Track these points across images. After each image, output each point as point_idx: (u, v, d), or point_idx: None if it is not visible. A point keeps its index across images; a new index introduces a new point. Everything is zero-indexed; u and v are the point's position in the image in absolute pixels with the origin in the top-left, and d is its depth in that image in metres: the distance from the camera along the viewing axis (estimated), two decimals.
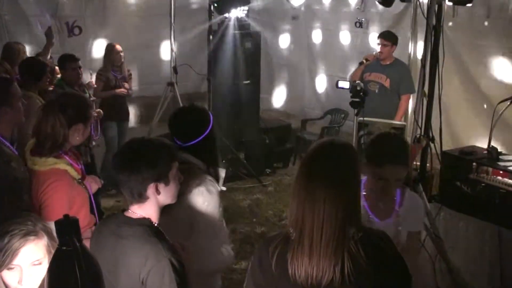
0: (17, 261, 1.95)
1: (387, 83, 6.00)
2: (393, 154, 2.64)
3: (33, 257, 1.97)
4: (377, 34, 6.48)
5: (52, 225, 1.94)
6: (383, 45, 6.02)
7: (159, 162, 2.21)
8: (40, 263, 1.98)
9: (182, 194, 2.42)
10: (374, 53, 6.19)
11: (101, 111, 6.01)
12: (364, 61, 6.11)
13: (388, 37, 6.06)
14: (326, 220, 1.87)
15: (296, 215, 1.94)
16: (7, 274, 1.96)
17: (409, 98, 6.15)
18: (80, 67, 5.72)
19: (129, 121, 7.03)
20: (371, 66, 6.11)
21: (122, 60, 6.70)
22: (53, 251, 1.84)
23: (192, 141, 2.70)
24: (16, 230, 1.95)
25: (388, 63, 6.09)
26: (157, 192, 2.20)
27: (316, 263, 1.86)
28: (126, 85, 6.73)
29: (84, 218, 2.96)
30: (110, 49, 6.71)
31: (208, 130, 2.75)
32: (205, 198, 2.58)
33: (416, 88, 4.33)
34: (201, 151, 2.69)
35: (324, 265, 1.85)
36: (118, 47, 6.69)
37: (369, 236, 1.94)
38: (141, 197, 2.19)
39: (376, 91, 5.94)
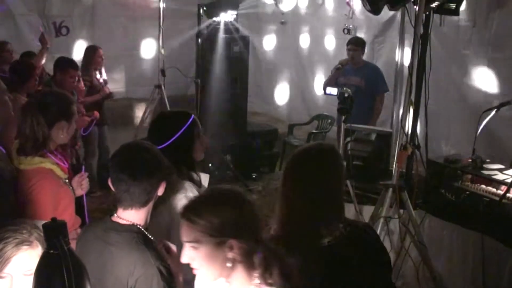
0: (8, 269, 1.89)
1: (362, 84, 6.36)
2: None
3: (25, 267, 1.90)
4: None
5: (38, 224, 1.94)
6: (354, 50, 6.45)
7: (165, 163, 2.24)
8: (32, 273, 1.83)
9: (159, 202, 2.34)
10: (346, 58, 6.55)
11: (97, 113, 5.90)
12: (340, 66, 6.48)
13: (357, 43, 6.52)
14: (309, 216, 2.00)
15: (282, 213, 2.00)
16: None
17: (383, 97, 6.59)
18: (77, 76, 5.63)
19: (107, 125, 6.89)
20: (345, 70, 6.50)
21: (102, 63, 6.65)
22: None
23: (163, 144, 2.57)
24: (11, 238, 1.89)
25: (360, 66, 6.52)
26: (160, 191, 2.23)
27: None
28: (107, 87, 6.67)
29: (69, 219, 2.92)
30: (92, 52, 6.61)
31: (180, 132, 2.64)
32: (178, 207, 2.45)
33: (404, 96, 4.37)
34: (174, 154, 2.55)
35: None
36: (101, 50, 6.62)
37: (355, 229, 2.06)
38: (146, 202, 2.18)
39: (352, 92, 6.05)
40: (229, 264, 1.74)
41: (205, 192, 1.88)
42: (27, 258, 1.91)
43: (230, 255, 1.73)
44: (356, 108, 5.29)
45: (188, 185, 2.59)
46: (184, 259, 1.79)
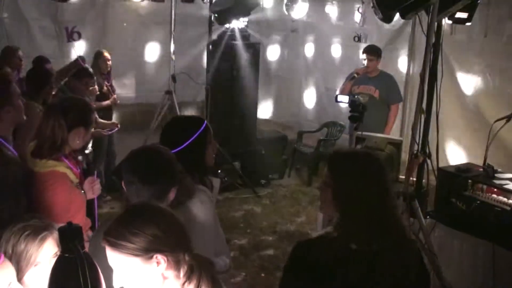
0: (40, 258, 2.01)
1: (376, 94, 6.27)
2: None
3: (52, 251, 2.03)
4: None
5: None
6: (369, 60, 6.34)
7: (177, 168, 2.27)
8: (56, 255, 1.95)
9: (174, 206, 2.34)
10: (362, 67, 6.46)
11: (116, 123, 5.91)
12: (356, 75, 6.40)
13: (372, 52, 6.40)
14: None
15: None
16: (32, 272, 2.00)
17: (398, 107, 6.50)
18: (93, 84, 5.69)
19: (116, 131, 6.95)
20: (359, 79, 6.40)
21: (109, 68, 6.69)
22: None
23: (176, 148, 2.59)
24: (28, 230, 1.99)
25: (375, 75, 6.42)
26: (172, 195, 2.26)
27: None
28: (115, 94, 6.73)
29: (81, 221, 2.96)
30: (97, 56, 6.69)
31: (193, 137, 2.67)
32: (198, 210, 2.51)
33: (414, 105, 4.36)
34: (186, 159, 2.55)
35: None
36: (106, 54, 6.68)
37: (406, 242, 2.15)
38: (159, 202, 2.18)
39: (366, 102, 6.03)
40: (160, 279, 1.74)
41: (121, 213, 1.82)
42: (51, 244, 2.03)
43: (159, 270, 1.72)
44: (369, 118, 5.30)
45: (201, 189, 2.60)
46: (116, 284, 1.76)
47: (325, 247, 2.02)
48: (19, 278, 1.99)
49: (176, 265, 1.74)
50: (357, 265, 1.99)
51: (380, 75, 6.44)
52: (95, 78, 5.69)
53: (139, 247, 1.69)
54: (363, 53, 6.45)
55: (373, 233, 2.03)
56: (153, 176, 2.22)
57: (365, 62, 6.35)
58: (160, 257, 1.71)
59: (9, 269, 1.83)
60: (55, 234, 2.03)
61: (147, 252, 1.69)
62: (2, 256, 1.73)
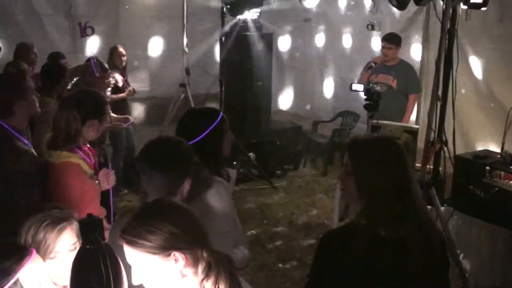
0: (58, 248, 2.05)
1: (394, 84, 6.09)
2: None
3: (69, 243, 2.07)
4: None
5: None
6: (388, 48, 6.13)
7: (191, 158, 2.30)
8: (75, 248, 2.05)
9: (192, 198, 2.39)
10: (378, 56, 6.29)
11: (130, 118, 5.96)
12: (373, 64, 6.22)
13: (391, 40, 6.18)
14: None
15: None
16: (49, 264, 2.03)
17: (416, 98, 6.29)
18: (108, 78, 5.74)
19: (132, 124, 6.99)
20: (377, 68, 6.22)
21: (124, 63, 6.72)
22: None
23: (190, 141, 2.58)
24: (48, 220, 2.04)
25: (393, 64, 6.19)
26: (186, 186, 2.28)
27: None
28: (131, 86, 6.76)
29: (94, 212, 2.98)
30: (112, 51, 6.76)
31: (206, 132, 2.67)
32: (215, 201, 2.53)
33: (430, 92, 4.33)
34: (203, 150, 2.60)
35: None
36: (121, 50, 6.72)
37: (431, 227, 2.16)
38: (170, 193, 2.22)
39: (384, 91, 5.93)
40: (178, 276, 1.74)
41: (138, 210, 1.82)
42: (69, 235, 2.07)
43: (177, 267, 1.72)
44: (386, 108, 5.24)
45: (219, 180, 2.61)
46: (135, 281, 1.77)
47: (355, 236, 2.01)
48: None
49: (194, 262, 1.74)
50: (388, 251, 2.00)
51: (399, 64, 6.22)
52: (109, 71, 5.71)
53: (157, 245, 1.69)
54: (382, 41, 6.26)
55: (400, 219, 2.02)
56: (165, 164, 2.25)
57: (384, 51, 6.16)
58: (178, 255, 1.71)
59: (40, 265, 1.86)
60: (74, 225, 2.08)
61: (165, 249, 1.70)
62: (34, 251, 1.75)
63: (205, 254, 1.75)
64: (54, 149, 3.00)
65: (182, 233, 1.72)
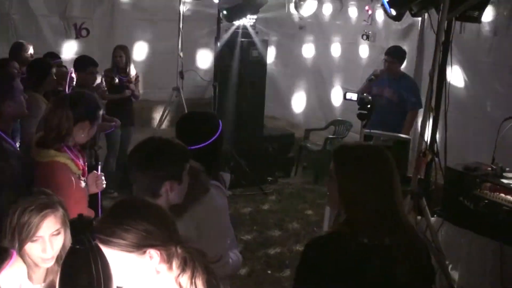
0: (40, 233, 2.13)
1: (394, 98, 5.99)
2: None
3: (52, 229, 2.15)
4: (384, 47, 6.52)
5: None
6: (389, 62, 6.01)
7: (176, 160, 2.29)
8: (59, 233, 2.18)
9: (190, 201, 2.42)
10: (380, 69, 6.15)
11: (118, 121, 5.95)
12: (373, 77, 5.98)
13: (394, 55, 6.05)
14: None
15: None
16: (31, 246, 2.13)
17: (416, 114, 6.07)
18: (97, 72, 5.76)
19: (134, 126, 6.99)
20: (379, 80, 6.05)
21: (123, 62, 6.70)
22: (67, 222, 2.13)
23: (197, 145, 2.64)
24: (33, 205, 2.13)
25: (395, 77, 6.08)
26: (171, 190, 2.27)
27: None
28: (132, 86, 6.71)
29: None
30: (113, 50, 6.77)
31: (215, 137, 2.72)
32: (213, 204, 2.55)
33: (423, 103, 4.36)
34: (205, 156, 2.62)
35: None
36: (118, 50, 6.72)
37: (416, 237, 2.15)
38: (154, 195, 2.24)
39: (383, 105, 5.88)
40: (153, 273, 1.75)
41: (111, 209, 1.82)
42: (53, 221, 2.16)
43: (152, 264, 1.73)
44: (385, 122, 5.20)
45: (216, 184, 2.65)
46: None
47: (338, 244, 2.01)
48: (20, 248, 2.11)
49: (169, 258, 1.75)
50: (371, 259, 1.99)
51: (401, 78, 6.11)
52: (91, 67, 5.71)
53: (131, 243, 1.70)
54: (385, 54, 6.12)
55: (383, 228, 2.02)
56: (143, 164, 2.28)
57: (386, 64, 6.01)
58: (153, 252, 1.72)
59: (20, 268, 1.85)
60: (59, 212, 2.18)
61: (140, 247, 1.71)
62: (14, 253, 1.76)
63: (179, 250, 1.77)
64: (43, 148, 2.99)
65: (156, 230, 1.74)
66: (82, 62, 5.68)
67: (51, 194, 2.24)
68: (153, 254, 1.72)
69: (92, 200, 3.22)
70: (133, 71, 6.82)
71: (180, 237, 1.80)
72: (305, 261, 2.10)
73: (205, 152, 2.65)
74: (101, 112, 3.24)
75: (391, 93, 6.00)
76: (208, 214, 2.50)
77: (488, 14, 5.61)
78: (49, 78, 4.90)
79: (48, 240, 2.14)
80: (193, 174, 2.44)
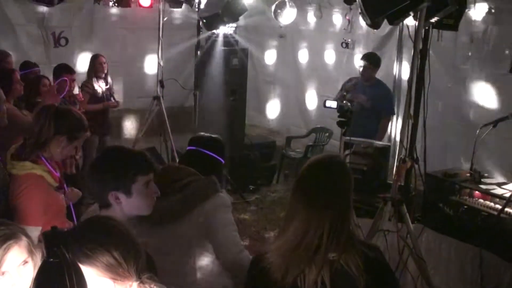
0: (5, 267, 1.94)
1: (368, 104, 6.02)
2: None
3: (19, 260, 1.96)
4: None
5: (27, 230, 2.06)
6: (364, 67, 6.08)
7: (121, 172, 2.20)
8: (26, 262, 1.98)
9: (201, 199, 2.69)
10: (356, 77, 6.21)
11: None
12: (345, 93, 6.03)
13: (370, 60, 6.13)
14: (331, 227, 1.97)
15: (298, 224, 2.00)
16: (1, 281, 1.95)
17: (389, 120, 6.23)
18: (74, 80, 5.72)
19: (110, 136, 6.95)
20: (353, 86, 6.15)
21: (105, 71, 6.68)
22: (33, 249, 1.96)
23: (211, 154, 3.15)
24: None
25: (369, 84, 6.14)
26: (118, 201, 2.20)
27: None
28: (113, 97, 6.71)
29: (59, 226, 2.93)
30: (93, 59, 6.74)
31: (221, 160, 3.23)
32: (222, 200, 2.79)
33: (402, 110, 4.39)
34: (216, 168, 3.16)
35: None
36: (102, 58, 6.70)
37: (367, 249, 2.03)
38: (102, 203, 2.24)
39: (357, 111, 5.90)
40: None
41: (78, 232, 1.76)
42: (18, 251, 1.96)
43: None
44: (359, 128, 5.23)
45: (221, 192, 2.91)
46: None
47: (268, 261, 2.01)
48: None
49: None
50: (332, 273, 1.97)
51: (375, 84, 6.18)
52: (75, 73, 5.72)
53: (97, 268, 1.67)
54: (361, 59, 6.20)
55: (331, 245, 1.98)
56: (90, 170, 2.29)
57: (361, 69, 6.10)
58: (109, 281, 1.67)
59: None
60: (22, 241, 1.98)
61: (102, 275, 1.67)
62: None
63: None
64: (18, 160, 2.90)
65: (116, 264, 1.67)
66: (57, 69, 5.77)
67: (11, 223, 2.05)
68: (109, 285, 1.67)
69: (70, 211, 3.16)
70: (110, 80, 6.80)
71: (143, 273, 1.71)
72: (247, 279, 2.13)
73: (217, 165, 3.17)
74: (85, 134, 3.09)
75: (363, 99, 6.03)
76: (217, 208, 2.71)
77: (465, 22, 5.68)
78: (15, 85, 4.77)
79: (17, 272, 1.95)
80: (198, 184, 2.74)
